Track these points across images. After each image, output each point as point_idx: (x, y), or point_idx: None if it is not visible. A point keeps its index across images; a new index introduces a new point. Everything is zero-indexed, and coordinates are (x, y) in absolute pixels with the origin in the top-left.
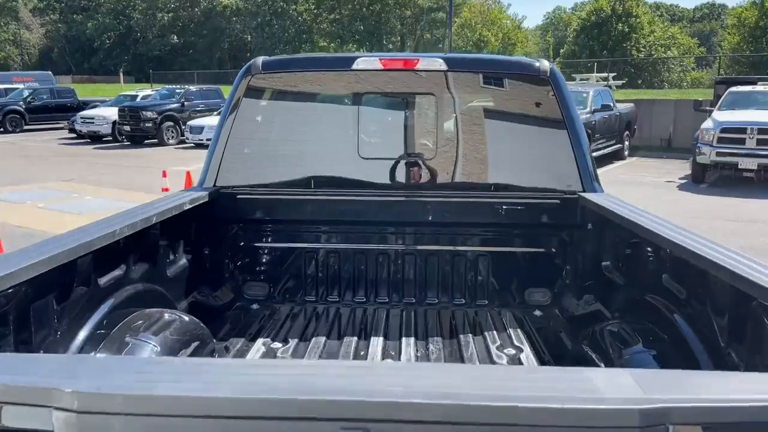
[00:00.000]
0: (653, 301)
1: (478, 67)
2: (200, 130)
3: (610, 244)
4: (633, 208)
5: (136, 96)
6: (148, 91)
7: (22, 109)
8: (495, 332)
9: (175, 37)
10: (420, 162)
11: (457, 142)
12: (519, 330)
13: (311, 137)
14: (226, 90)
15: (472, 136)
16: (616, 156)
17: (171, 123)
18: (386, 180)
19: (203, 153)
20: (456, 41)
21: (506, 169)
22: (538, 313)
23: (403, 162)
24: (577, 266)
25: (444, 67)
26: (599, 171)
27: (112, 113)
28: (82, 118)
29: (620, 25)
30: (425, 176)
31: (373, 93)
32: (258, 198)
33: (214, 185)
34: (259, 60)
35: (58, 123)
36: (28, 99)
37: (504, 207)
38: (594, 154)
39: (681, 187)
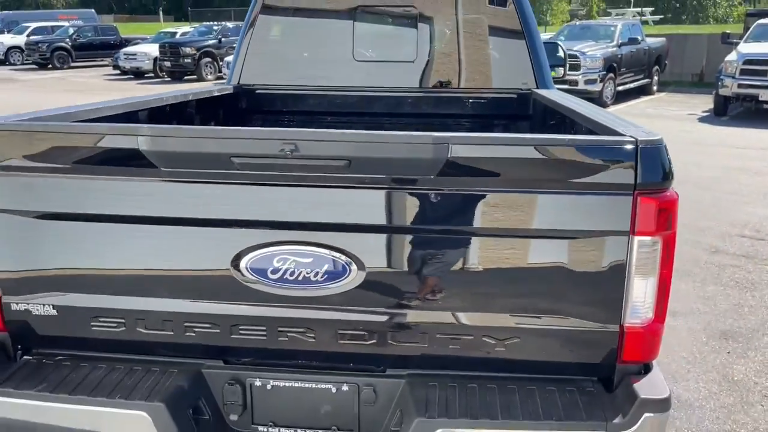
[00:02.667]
0: None
1: None
2: None
3: (551, 128)
4: (576, 100)
5: (176, 33)
6: (187, 29)
7: (69, 46)
8: None
9: None
10: (403, 63)
11: (433, 47)
12: None
13: (314, 44)
14: None
15: (447, 42)
16: (644, 91)
17: (209, 59)
18: (377, 79)
19: None
20: None
21: (475, 70)
22: None
23: (390, 63)
24: None
25: None
26: (625, 105)
27: (153, 50)
28: (125, 54)
29: None
30: (407, 75)
31: (365, 6)
32: (272, 93)
33: (238, 83)
34: None
35: (102, 60)
36: (74, 36)
37: (470, 100)
38: (620, 87)
39: (701, 120)
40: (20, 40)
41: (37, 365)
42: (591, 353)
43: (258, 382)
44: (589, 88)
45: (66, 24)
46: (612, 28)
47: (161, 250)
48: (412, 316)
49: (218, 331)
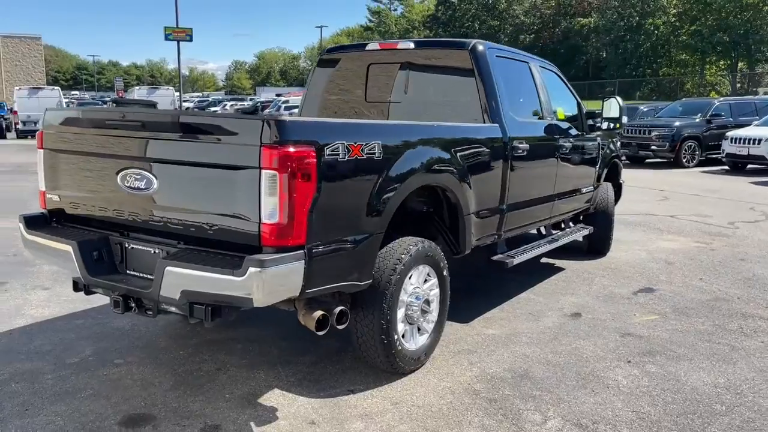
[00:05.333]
0: None
1: (429, 46)
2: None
3: None
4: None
5: None
6: None
7: None
8: None
9: None
10: (396, 104)
11: (413, 93)
12: None
13: (343, 92)
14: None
15: (424, 90)
16: None
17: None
18: (379, 114)
19: None
20: None
21: (440, 110)
22: None
23: (387, 104)
24: None
25: (412, 46)
26: None
27: None
28: None
29: None
30: (398, 112)
31: (376, 63)
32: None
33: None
34: (325, 49)
35: None
36: None
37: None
38: None
39: None
40: None
41: (54, 227)
42: (248, 239)
43: (127, 245)
44: None
45: None
46: None
47: (93, 169)
48: (177, 210)
49: (110, 214)
